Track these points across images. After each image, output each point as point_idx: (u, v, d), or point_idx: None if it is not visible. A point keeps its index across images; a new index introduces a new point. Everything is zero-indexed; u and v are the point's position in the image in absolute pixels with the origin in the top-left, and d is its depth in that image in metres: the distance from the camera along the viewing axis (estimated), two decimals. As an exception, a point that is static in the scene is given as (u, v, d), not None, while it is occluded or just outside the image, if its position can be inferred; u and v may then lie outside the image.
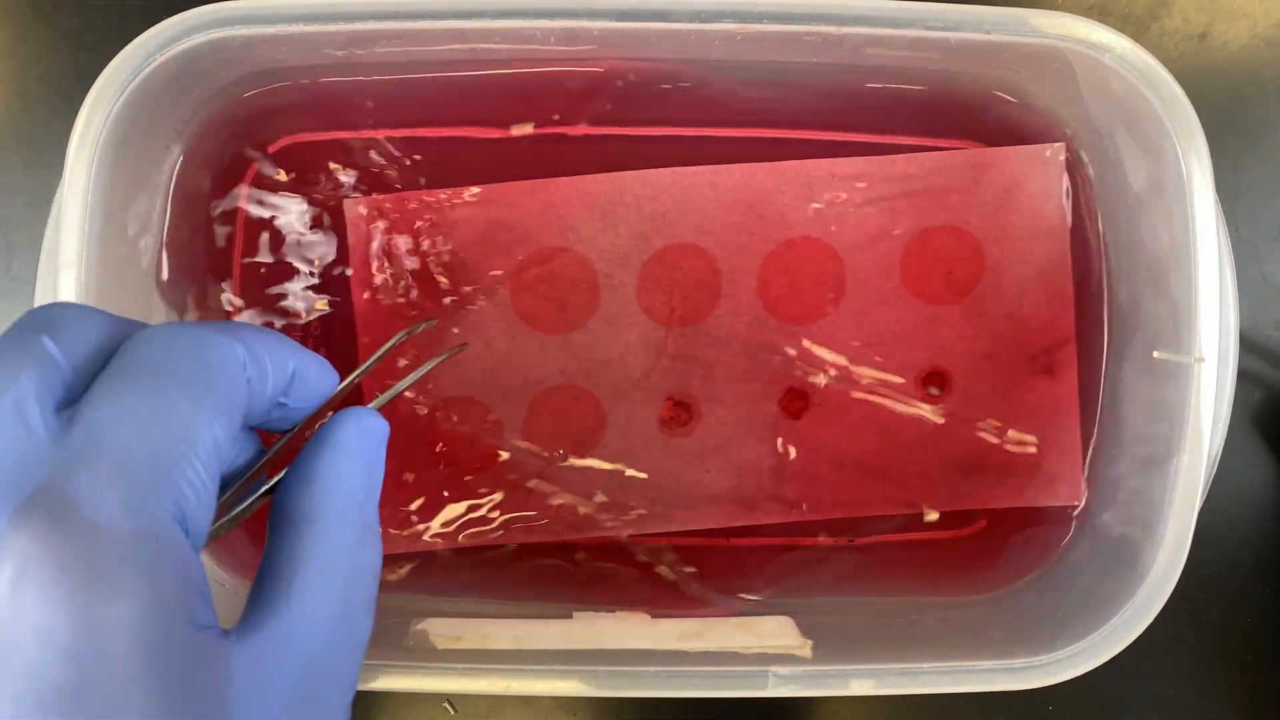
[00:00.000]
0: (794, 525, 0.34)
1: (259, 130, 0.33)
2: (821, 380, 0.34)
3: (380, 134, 0.33)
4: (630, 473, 0.34)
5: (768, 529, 0.34)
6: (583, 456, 0.34)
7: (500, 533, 0.34)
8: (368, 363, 0.26)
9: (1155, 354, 0.30)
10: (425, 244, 0.33)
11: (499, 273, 0.33)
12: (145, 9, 0.34)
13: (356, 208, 0.33)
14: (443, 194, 0.33)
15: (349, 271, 0.33)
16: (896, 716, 0.36)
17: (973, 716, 0.36)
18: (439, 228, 0.33)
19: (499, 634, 0.31)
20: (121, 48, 0.28)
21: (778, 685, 0.29)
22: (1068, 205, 0.33)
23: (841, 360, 0.34)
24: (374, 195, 0.33)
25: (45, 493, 0.16)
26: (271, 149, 0.34)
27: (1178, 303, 0.29)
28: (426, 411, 0.33)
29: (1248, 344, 0.37)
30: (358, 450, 0.21)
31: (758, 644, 0.31)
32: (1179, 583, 0.29)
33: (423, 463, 0.33)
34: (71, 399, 0.18)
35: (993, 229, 0.33)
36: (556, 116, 0.33)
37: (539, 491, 0.34)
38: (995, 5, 0.30)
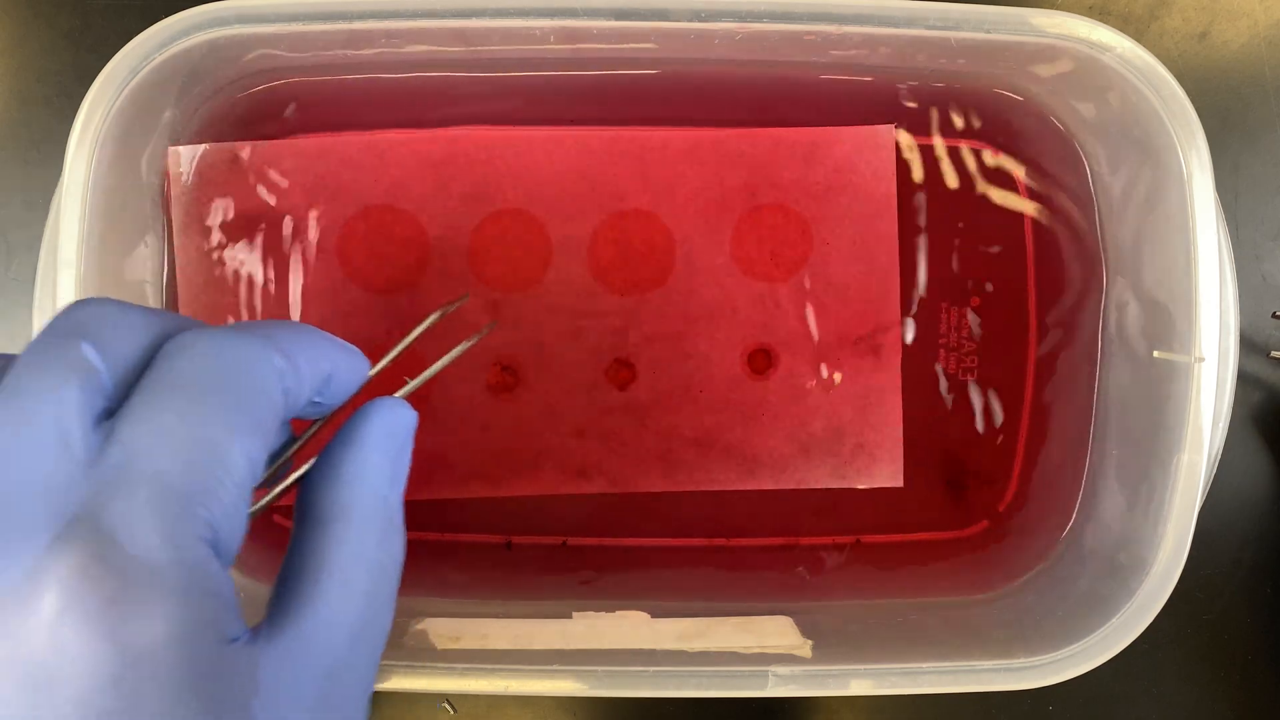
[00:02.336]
0: (782, 525, 0.34)
1: (259, 130, 0.33)
2: (647, 353, 0.33)
3: (378, 134, 0.33)
4: (455, 436, 0.33)
5: (764, 529, 0.34)
6: None
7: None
8: (401, 345, 0.25)
9: (1155, 354, 0.30)
10: (254, 195, 0.33)
11: (325, 227, 0.33)
12: (145, 9, 0.34)
13: (180, 155, 0.32)
14: (271, 143, 0.33)
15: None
16: (896, 717, 0.36)
17: (973, 716, 0.36)
18: (268, 178, 0.33)
19: (499, 634, 0.31)
20: (121, 48, 0.28)
21: (778, 685, 0.29)
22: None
23: (668, 333, 0.34)
24: (202, 144, 0.32)
25: (83, 521, 0.16)
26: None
27: (1177, 302, 0.29)
28: None
29: (1248, 344, 0.37)
30: (385, 445, 0.21)
31: (758, 644, 0.31)
32: (1179, 583, 0.29)
33: None
34: (110, 409, 0.18)
35: (821, 209, 0.33)
36: (557, 117, 0.33)
37: None
38: (995, 5, 0.30)
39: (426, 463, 0.34)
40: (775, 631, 0.31)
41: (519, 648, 0.31)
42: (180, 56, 0.29)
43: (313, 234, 0.33)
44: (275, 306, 0.33)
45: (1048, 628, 0.30)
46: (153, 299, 0.32)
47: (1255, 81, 0.37)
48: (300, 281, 0.33)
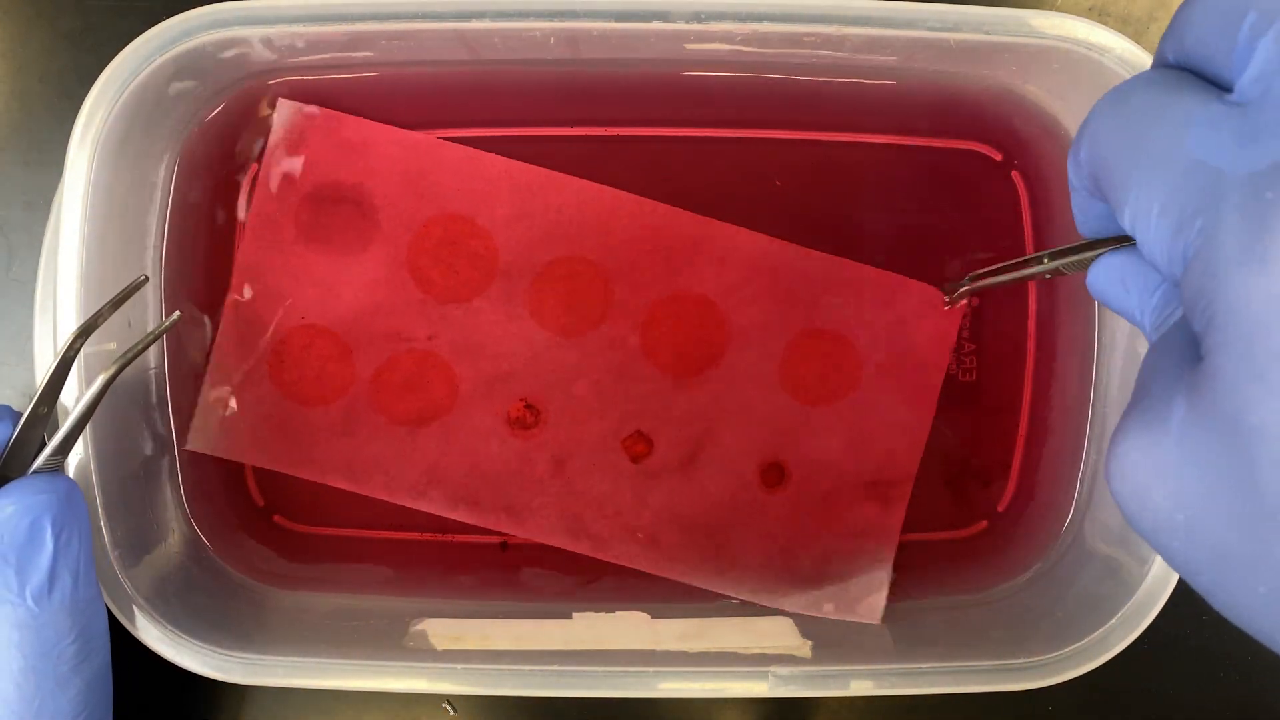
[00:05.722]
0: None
1: (259, 130, 0.33)
2: (669, 433, 0.34)
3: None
4: (464, 459, 0.34)
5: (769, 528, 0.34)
6: (420, 427, 0.33)
7: (311, 470, 0.34)
8: (119, 362, 0.27)
9: (1155, 354, 0.30)
10: (340, 168, 0.33)
11: (402, 221, 0.33)
12: (145, 9, 0.34)
13: (289, 108, 0.33)
14: (377, 126, 0.33)
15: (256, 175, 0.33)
16: (896, 717, 0.36)
17: (973, 716, 0.36)
18: (361, 158, 0.33)
19: (499, 634, 0.31)
20: (121, 48, 0.28)
21: (778, 685, 0.29)
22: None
23: (696, 421, 0.34)
24: (311, 104, 0.33)
25: None
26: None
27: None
28: (287, 328, 0.33)
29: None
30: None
31: (758, 644, 0.31)
32: (1179, 583, 0.29)
33: (257, 378, 0.33)
34: None
35: (876, 350, 0.34)
36: (557, 118, 0.34)
37: (364, 448, 0.33)
38: (995, 6, 0.30)
39: (426, 474, 0.34)
40: (775, 631, 0.31)
41: (519, 648, 0.31)
42: (181, 58, 0.29)
43: (389, 223, 0.33)
44: (328, 283, 0.33)
45: (1048, 628, 0.30)
46: (153, 299, 0.32)
47: (1254, 82, 0.37)
48: (362, 264, 0.33)
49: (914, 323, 0.33)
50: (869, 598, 0.33)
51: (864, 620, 0.33)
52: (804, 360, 0.33)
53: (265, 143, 0.33)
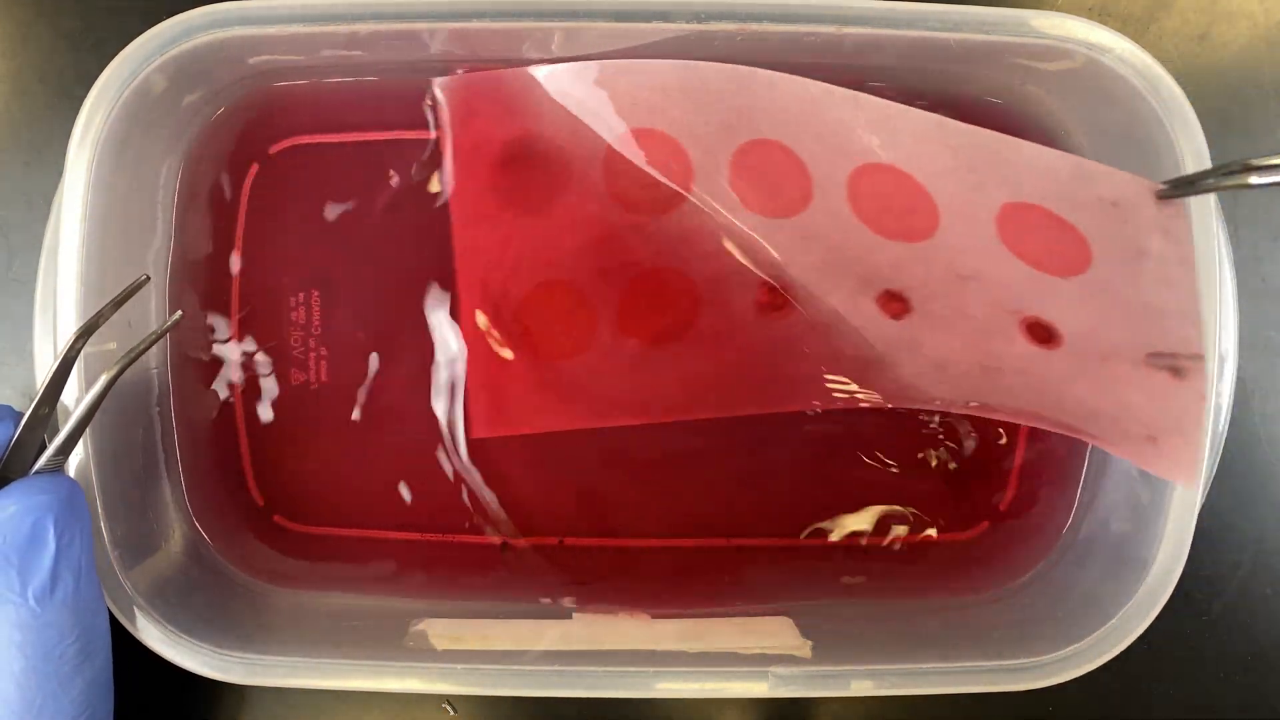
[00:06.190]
0: (782, 525, 0.34)
1: (259, 131, 0.33)
2: (921, 290, 0.32)
3: (379, 135, 0.33)
4: (725, 357, 0.33)
5: (764, 530, 0.34)
6: (674, 341, 0.33)
7: (591, 417, 0.33)
8: (122, 362, 0.27)
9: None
10: (515, 124, 0.33)
11: (590, 154, 0.33)
12: (145, 9, 0.34)
13: (447, 84, 0.32)
14: (525, 72, 0.32)
15: (446, 166, 0.33)
16: (896, 717, 0.36)
17: (973, 716, 0.36)
18: (529, 105, 0.33)
19: (499, 635, 0.31)
20: (121, 48, 0.28)
21: (778, 685, 0.29)
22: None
23: (937, 283, 0.32)
24: (464, 74, 0.33)
25: None
26: (272, 149, 0.34)
27: (1177, 302, 0.29)
28: (522, 294, 0.33)
29: (1247, 344, 0.37)
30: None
31: (758, 644, 0.31)
32: (1179, 583, 0.29)
33: (514, 351, 0.33)
34: None
35: (1099, 233, 0.31)
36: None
37: (631, 379, 0.33)
38: (995, 6, 0.30)
39: (695, 382, 0.33)
40: (775, 632, 0.31)
41: (519, 648, 0.31)
42: (181, 58, 0.29)
43: (579, 159, 0.33)
44: (545, 237, 0.33)
45: (1048, 628, 0.30)
46: (154, 300, 0.32)
47: (1255, 83, 0.37)
48: (568, 207, 0.33)
49: (1131, 208, 0.31)
50: (1181, 460, 0.30)
51: (1179, 480, 0.30)
52: (1023, 230, 0.31)
53: (436, 130, 0.33)
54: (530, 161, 0.33)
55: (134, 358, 0.27)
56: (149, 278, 0.28)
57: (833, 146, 0.32)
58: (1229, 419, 0.29)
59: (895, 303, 0.32)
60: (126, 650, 0.28)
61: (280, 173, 0.33)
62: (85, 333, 0.27)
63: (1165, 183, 0.30)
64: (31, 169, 0.35)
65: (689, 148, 0.33)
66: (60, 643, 0.25)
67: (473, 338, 0.33)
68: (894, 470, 0.34)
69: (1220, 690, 0.37)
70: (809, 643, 0.31)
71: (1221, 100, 0.37)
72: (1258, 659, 0.37)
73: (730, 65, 0.32)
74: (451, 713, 0.35)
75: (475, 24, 0.29)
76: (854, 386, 0.32)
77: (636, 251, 0.33)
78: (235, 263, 0.34)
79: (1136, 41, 0.29)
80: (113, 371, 0.26)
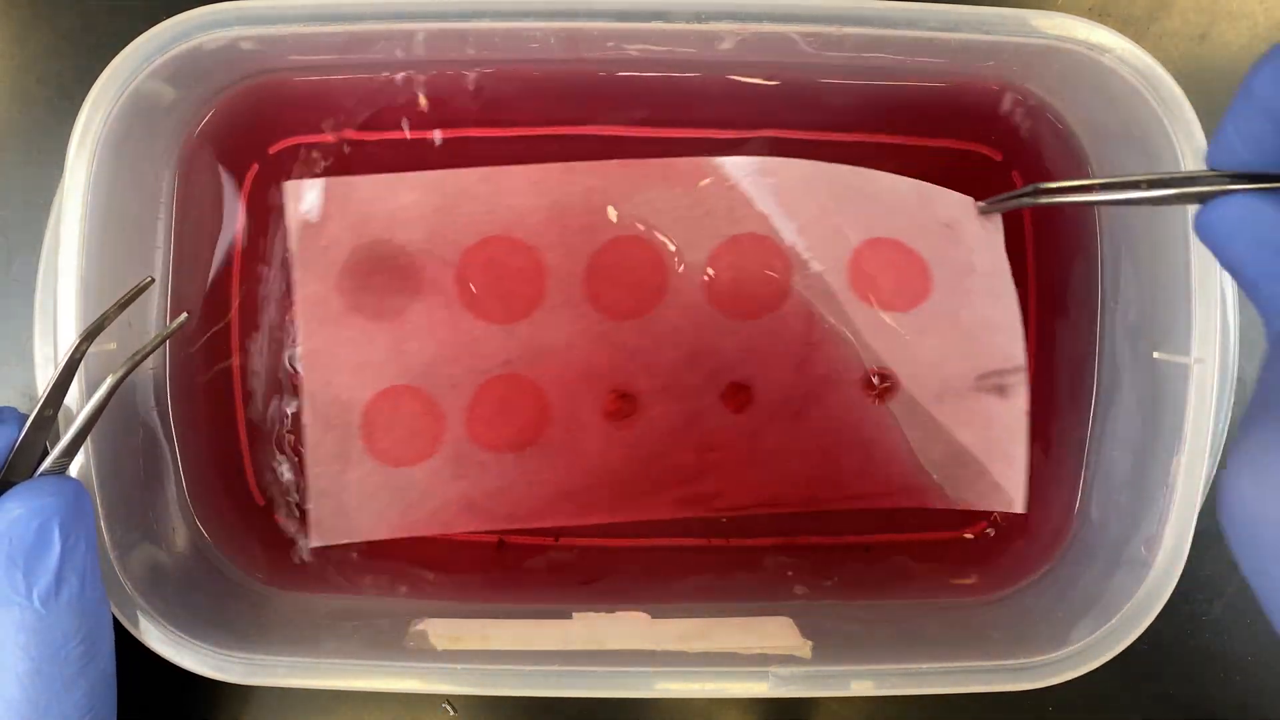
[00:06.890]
0: (782, 525, 0.34)
1: (259, 131, 0.33)
2: (764, 376, 0.33)
3: (380, 135, 0.33)
4: (575, 466, 0.33)
5: (764, 530, 0.34)
6: (524, 449, 0.33)
7: (434, 525, 0.34)
8: (127, 365, 0.27)
9: (1155, 354, 0.30)
10: (366, 230, 0.33)
11: (442, 261, 0.33)
12: (145, 9, 0.34)
13: (297, 189, 0.32)
14: (386, 178, 0.33)
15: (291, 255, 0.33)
16: (896, 717, 0.36)
17: (973, 716, 0.36)
18: (383, 213, 0.33)
19: (499, 634, 0.31)
20: (121, 48, 0.28)
21: (778, 685, 0.29)
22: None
23: (785, 358, 0.33)
24: (313, 178, 0.33)
25: None
26: (272, 150, 0.34)
27: (1177, 303, 0.29)
28: (366, 399, 0.33)
29: (1247, 345, 0.37)
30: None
31: (758, 644, 0.31)
32: (1179, 583, 0.29)
33: (357, 457, 0.33)
34: None
35: (938, 256, 0.33)
36: (558, 118, 0.33)
37: (478, 486, 0.33)
38: (995, 6, 0.30)
39: (551, 490, 0.34)
40: (775, 631, 0.31)
41: (519, 648, 0.31)
42: (181, 58, 0.29)
43: (431, 266, 0.33)
44: (392, 342, 0.33)
45: (1048, 628, 0.30)
46: (155, 300, 0.32)
47: (1255, 82, 0.37)
48: (418, 314, 0.33)
49: (960, 227, 0.32)
50: (1007, 486, 0.33)
51: (1008, 509, 0.33)
52: (873, 270, 0.33)
53: (283, 230, 0.33)
54: (380, 268, 0.33)
55: (139, 360, 0.27)
56: (153, 279, 0.28)
57: (698, 226, 0.33)
58: (1229, 419, 0.29)
59: (740, 394, 0.33)
60: (127, 650, 0.28)
61: (280, 173, 0.33)
62: (90, 335, 0.27)
63: (983, 201, 0.32)
64: (31, 169, 0.35)
65: (545, 252, 0.33)
66: (65, 644, 0.25)
67: (314, 442, 0.33)
68: (894, 471, 0.34)
69: (1220, 690, 0.37)
70: (809, 643, 0.31)
71: (1221, 100, 0.36)
72: (1258, 659, 0.37)
73: (607, 162, 0.32)
74: (451, 713, 0.35)
75: (475, 24, 0.29)
76: (722, 503, 0.34)
77: (489, 359, 0.33)
78: (235, 263, 0.34)
79: (1137, 41, 0.29)
80: (119, 374, 0.26)
